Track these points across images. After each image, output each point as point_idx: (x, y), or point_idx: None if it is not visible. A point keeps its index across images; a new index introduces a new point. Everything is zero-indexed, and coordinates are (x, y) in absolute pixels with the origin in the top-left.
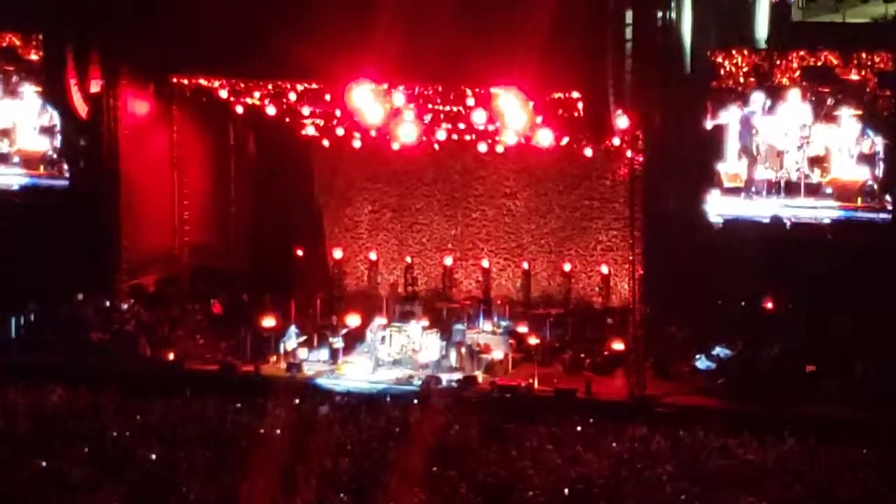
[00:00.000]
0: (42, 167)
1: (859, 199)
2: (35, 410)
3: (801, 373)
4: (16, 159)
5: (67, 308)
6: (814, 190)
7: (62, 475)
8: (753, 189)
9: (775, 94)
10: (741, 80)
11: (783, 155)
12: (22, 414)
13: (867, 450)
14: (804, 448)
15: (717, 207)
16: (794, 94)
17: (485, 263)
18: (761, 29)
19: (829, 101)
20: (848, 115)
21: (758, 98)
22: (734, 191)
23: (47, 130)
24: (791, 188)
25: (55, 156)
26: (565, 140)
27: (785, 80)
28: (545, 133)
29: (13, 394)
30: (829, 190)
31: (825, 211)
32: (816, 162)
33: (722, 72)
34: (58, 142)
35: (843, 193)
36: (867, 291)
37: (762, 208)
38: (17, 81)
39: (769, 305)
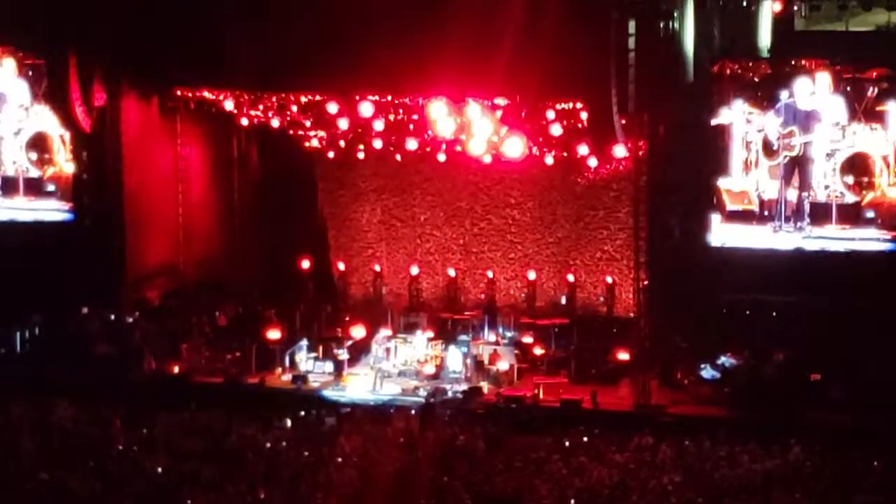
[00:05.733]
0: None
1: None
2: (40, 424)
3: (807, 381)
4: (51, 187)
5: (72, 321)
6: (850, 214)
7: (67, 489)
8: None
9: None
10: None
11: (808, 166)
12: (26, 428)
13: (875, 458)
14: (810, 457)
15: (721, 235)
16: (823, 82)
17: (490, 273)
18: (764, 38)
19: (871, 91)
20: None
21: (774, 89)
22: (742, 215)
23: None
24: (818, 212)
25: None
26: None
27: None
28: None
29: (18, 407)
30: (870, 213)
31: (866, 243)
32: (854, 175)
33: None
34: None
35: (891, 218)
36: (878, 299)
37: (779, 239)
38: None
39: (774, 314)
